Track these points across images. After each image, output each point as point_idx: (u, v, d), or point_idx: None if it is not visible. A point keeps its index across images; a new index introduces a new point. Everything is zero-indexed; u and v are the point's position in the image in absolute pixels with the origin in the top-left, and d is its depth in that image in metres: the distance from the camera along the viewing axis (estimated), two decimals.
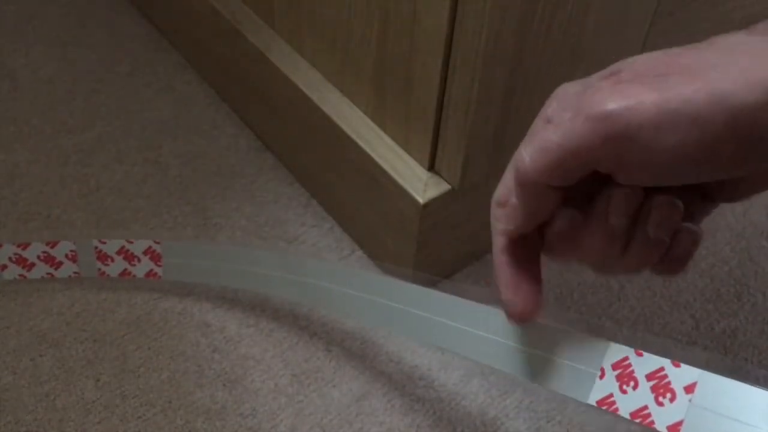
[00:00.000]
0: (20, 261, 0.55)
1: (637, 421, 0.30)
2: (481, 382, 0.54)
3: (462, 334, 0.39)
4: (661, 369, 0.31)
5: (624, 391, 0.31)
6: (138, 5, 0.80)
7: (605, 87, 0.29)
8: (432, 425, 0.52)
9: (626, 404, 0.31)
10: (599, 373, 0.33)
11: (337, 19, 0.53)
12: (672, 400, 0.30)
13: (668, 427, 0.30)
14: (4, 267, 0.55)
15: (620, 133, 0.27)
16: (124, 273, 0.55)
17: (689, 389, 0.30)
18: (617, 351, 0.33)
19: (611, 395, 0.32)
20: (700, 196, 0.33)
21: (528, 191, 0.31)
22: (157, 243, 0.54)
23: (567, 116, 0.29)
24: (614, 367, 0.32)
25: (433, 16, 0.45)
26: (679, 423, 0.29)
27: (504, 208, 0.33)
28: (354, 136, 0.55)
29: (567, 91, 0.32)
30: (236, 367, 0.54)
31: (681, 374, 0.30)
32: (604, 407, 0.32)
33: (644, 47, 0.55)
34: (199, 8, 0.68)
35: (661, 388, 0.30)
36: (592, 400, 0.32)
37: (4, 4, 0.79)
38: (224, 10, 0.65)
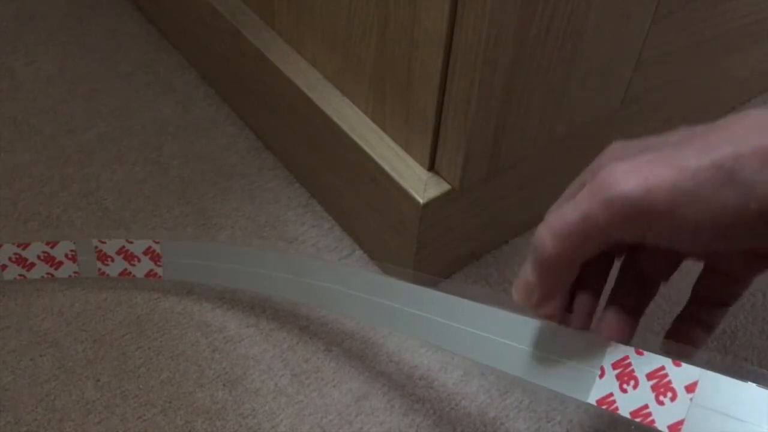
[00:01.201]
0: (20, 261, 0.55)
1: (638, 420, 0.30)
2: (481, 382, 0.54)
3: (462, 334, 0.39)
4: (662, 368, 0.31)
5: (624, 390, 0.31)
6: (138, 5, 0.80)
7: (623, 164, 0.29)
8: (432, 425, 0.52)
9: (626, 403, 0.31)
10: (599, 372, 0.32)
11: (337, 19, 0.53)
12: (673, 399, 0.30)
13: (669, 427, 0.30)
14: (5, 267, 0.55)
15: (639, 214, 0.28)
16: (123, 273, 0.55)
17: (690, 388, 0.30)
18: (617, 350, 0.33)
19: (611, 394, 0.32)
20: (751, 256, 0.33)
21: (549, 268, 0.31)
22: (157, 243, 0.54)
23: (585, 194, 0.29)
24: (614, 366, 0.32)
25: (433, 16, 0.45)
26: (680, 422, 0.29)
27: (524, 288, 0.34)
28: (354, 136, 0.55)
29: (601, 161, 0.33)
30: (236, 367, 0.54)
31: (682, 373, 0.30)
32: (604, 406, 0.32)
33: (644, 47, 0.55)
34: (199, 8, 0.68)
35: (661, 387, 0.30)
36: (592, 399, 0.32)
37: (4, 4, 0.79)
38: (224, 10, 0.65)
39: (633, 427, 0.33)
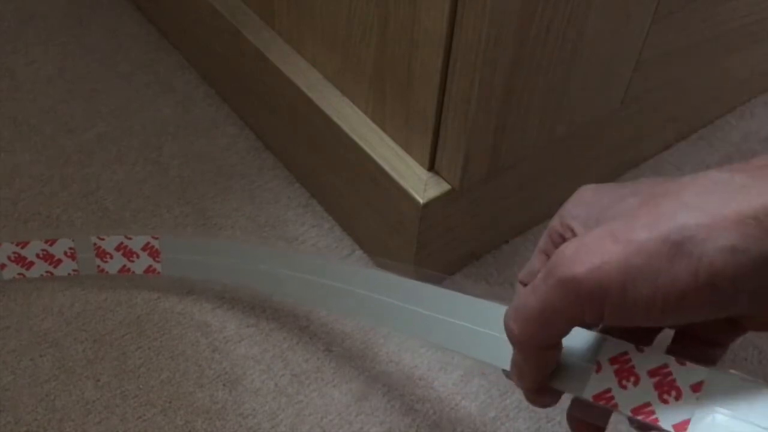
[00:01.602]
0: (19, 260, 0.55)
1: (639, 418, 0.29)
2: (481, 382, 0.54)
3: (457, 330, 0.38)
4: (665, 366, 0.30)
5: (623, 387, 0.31)
6: (138, 5, 0.80)
7: (573, 244, 0.29)
8: (432, 425, 0.52)
9: (626, 400, 0.30)
10: (595, 367, 0.32)
11: (337, 19, 0.53)
12: (678, 398, 0.29)
13: (674, 426, 0.29)
14: (3, 266, 0.55)
15: (591, 294, 0.28)
16: (123, 269, 0.55)
17: (696, 388, 0.29)
18: (616, 346, 0.32)
19: (609, 390, 0.31)
20: (728, 324, 0.33)
21: (529, 355, 0.32)
22: (156, 238, 0.54)
23: (542, 277, 0.30)
24: (612, 361, 0.31)
25: (433, 16, 0.45)
26: (686, 422, 0.29)
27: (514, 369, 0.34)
28: (354, 136, 0.55)
29: (564, 210, 0.34)
30: (236, 367, 0.54)
31: (687, 372, 0.30)
32: (602, 402, 0.31)
33: (644, 47, 0.55)
34: (199, 8, 0.68)
35: (665, 385, 0.30)
36: (588, 394, 0.31)
37: (4, 4, 0.79)
38: (224, 10, 0.65)
39: (634, 425, 0.32)
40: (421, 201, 0.51)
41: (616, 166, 0.66)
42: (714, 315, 0.28)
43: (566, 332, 0.31)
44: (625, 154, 0.66)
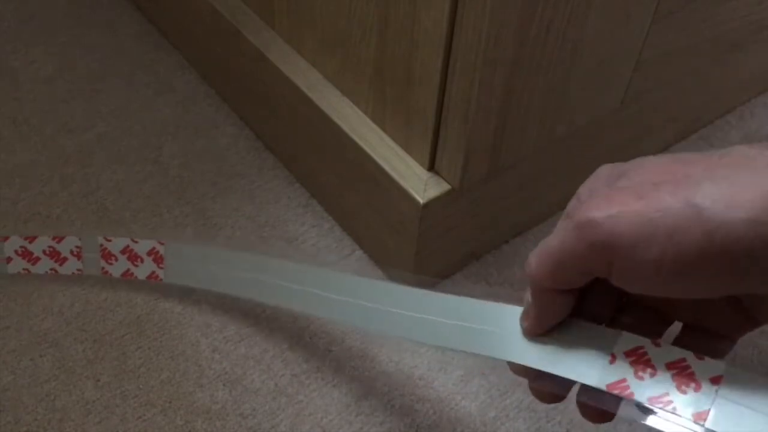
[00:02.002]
0: (26, 254, 0.55)
1: (658, 407, 0.29)
2: (481, 382, 0.54)
3: (461, 329, 0.38)
4: (683, 360, 0.30)
5: (640, 377, 0.30)
6: (138, 5, 0.80)
7: (600, 194, 0.30)
8: (432, 425, 0.52)
9: (643, 390, 0.30)
10: (609, 358, 0.31)
11: (337, 19, 0.53)
12: (697, 389, 0.29)
13: (694, 415, 0.29)
14: (9, 260, 0.55)
15: (603, 242, 0.28)
16: (126, 273, 0.55)
17: (715, 380, 0.29)
18: (630, 340, 0.32)
19: (624, 380, 0.31)
20: (739, 315, 0.33)
21: (538, 293, 0.32)
22: (162, 244, 0.54)
23: (563, 219, 0.31)
24: (627, 354, 0.31)
25: (433, 16, 0.45)
26: (706, 412, 0.29)
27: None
28: (354, 136, 0.55)
29: (586, 185, 0.34)
30: (236, 367, 0.54)
31: (705, 366, 0.29)
32: (616, 391, 0.30)
33: (644, 47, 0.55)
34: (199, 8, 0.68)
35: (684, 377, 0.29)
36: (602, 383, 0.31)
37: (4, 4, 0.79)
38: (224, 10, 0.65)
39: (644, 422, 0.32)
40: (421, 201, 0.51)
41: None
42: (722, 289, 0.28)
43: (578, 281, 0.31)
44: (625, 154, 0.66)
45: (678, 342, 0.33)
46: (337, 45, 0.55)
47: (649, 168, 0.30)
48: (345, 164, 0.57)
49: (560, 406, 0.53)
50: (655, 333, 0.33)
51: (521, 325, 0.34)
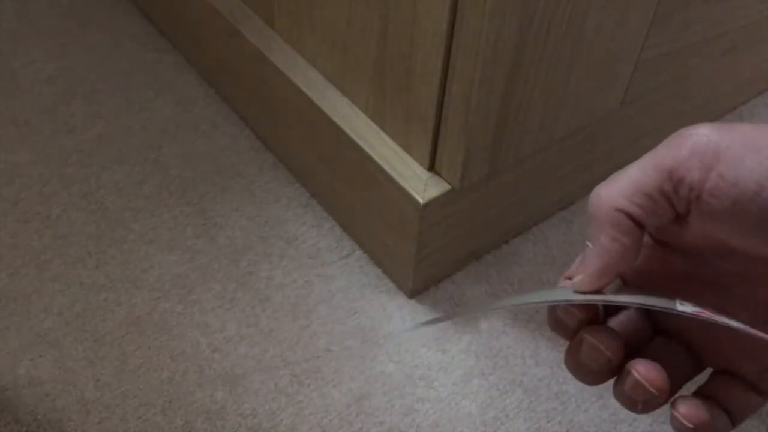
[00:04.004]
0: None
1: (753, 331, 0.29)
2: (481, 382, 0.54)
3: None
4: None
5: (715, 313, 0.30)
6: (138, 5, 0.80)
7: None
8: (432, 425, 0.52)
9: (723, 318, 0.30)
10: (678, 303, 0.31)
11: (337, 19, 0.53)
12: None
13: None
14: None
15: (707, 146, 0.28)
16: None
17: None
18: (688, 306, 0.31)
19: (703, 311, 0.30)
20: (745, 388, 0.32)
21: (606, 227, 0.31)
22: None
23: (650, 152, 0.30)
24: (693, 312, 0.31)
25: (433, 16, 0.45)
26: None
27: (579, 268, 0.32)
28: (354, 136, 0.55)
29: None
30: (236, 367, 0.54)
31: None
32: (704, 316, 0.30)
33: (644, 47, 0.55)
34: (199, 8, 0.68)
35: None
36: (686, 309, 0.30)
37: (4, 4, 0.79)
38: (224, 10, 0.65)
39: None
40: (421, 201, 0.51)
41: (616, 166, 0.66)
42: None
43: (652, 209, 0.30)
44: (625, 154, 0.66)
45: (706, 387, 0.33)
46: (337, 45, 0.55)
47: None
48: (345, 164, 0.57)
49: (560, 406, 0.54)
50: (682, 374, 0.32)
51: (575, 280, 0.32)
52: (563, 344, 0.34)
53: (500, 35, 0.44)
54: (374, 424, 0.52)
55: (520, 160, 0.55)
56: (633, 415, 0.53)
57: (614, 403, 0.53)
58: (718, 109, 0.73)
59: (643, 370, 0.31)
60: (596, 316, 0.33)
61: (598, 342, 0.32)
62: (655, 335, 0.35)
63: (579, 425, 0.52)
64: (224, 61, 0.68)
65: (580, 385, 0.54)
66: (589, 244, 0.31)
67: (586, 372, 0.33)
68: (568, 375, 0.54)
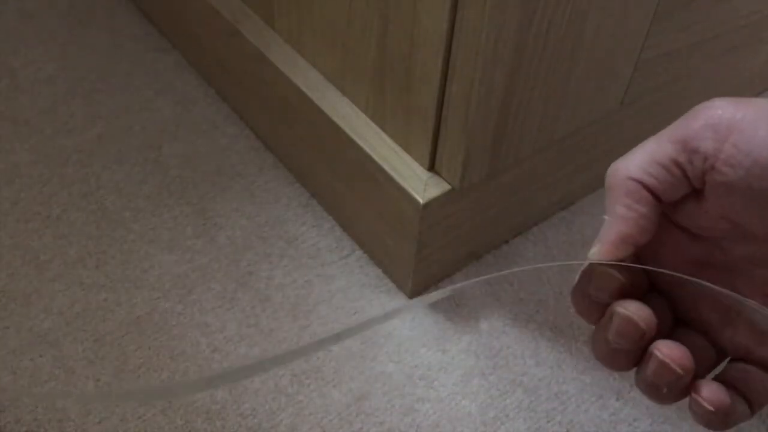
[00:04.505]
0: None
1: None
2: (481, 382, 0.54)
3: None
4: None
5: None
6: (138, 5, 0.80)
7: None
8: (432, 425, 0.52)
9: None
10: None
11: (337, 19, 0.53)
12: None
13: None
14: None
15: (721, 118, 0.29)
16: None
17: None
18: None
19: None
20: (763, 374, 0.32)
21: (623, 197, 0.31)
22: None
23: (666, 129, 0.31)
24: None
25: (433, 16, 0.45)
26: None
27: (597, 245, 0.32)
28: (354, 136, 0.55)
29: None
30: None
31: None
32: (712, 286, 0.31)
33: (644, 47, 0.55)
34: (199, 8, 0.68)
35: None
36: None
37: (4, 4, 0.79)
38: (224, 10, 0.65)
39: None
40: (421, 201, 0.51)
41: None
42: None
43: (667, 179, 0.30)
44: (625, 154, 0.66)
45: (724, 375, 0.33)
46: (337, 45, 0.55)
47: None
48: (345, 164, 0.57)
49: (560, 406, 0.54)
50: (703, 365, 0.32)
51: (593, 250, 0.32)
52: (563, 344, 0.35)
53: (500, 35, 0.44)
54: (374, 424, 0.52)
55: (520, 160, 0.55)
56: (633, 415, 0.53)
57: (614, 403, 0.54)
58: None
59: (666, 350, 0.31)
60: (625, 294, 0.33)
61: (631, 313, 0.31)
62: (675, 327, 0.35)
63: (579, 425, 0.52)
64: (224, 61, 0.68)
65: (580, 385, 0.54)
66: (606, 217, 0.32)
67: (615, 353, 0.32)
68: (569, 375, 0.54)
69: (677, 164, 0.30)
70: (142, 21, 0.79)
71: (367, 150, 0.54)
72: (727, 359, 0.35)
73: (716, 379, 0.33)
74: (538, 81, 0.49)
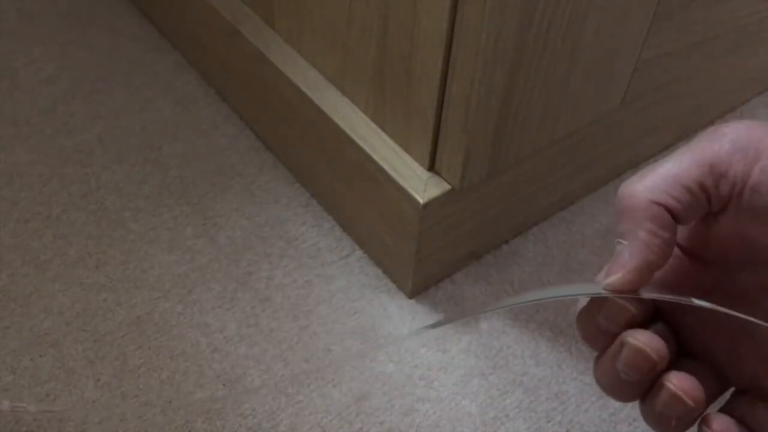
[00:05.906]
0: None
1: None
2: (481, 382, 0.54)
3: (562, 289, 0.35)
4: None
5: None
6: (138, 5, 0.80)
7: None
8: (432, 425, 0.52)
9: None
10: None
11: (337, 19, 0.53)
12: None
13: None
14: None
15: (750, 140, 0.28)
16: None
17: None
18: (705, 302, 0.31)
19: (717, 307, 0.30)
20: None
21: (640, 222, 0.29)
22: None
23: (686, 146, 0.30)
24: None
25: (433, 16, 0.45)
26: None
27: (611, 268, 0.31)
28: (354, 136, 0.55)
29: None
30: (236, 367, 0.54)
31: None
32: (718, 308, 0.30)
33: (644, 47, 0.55)
34: (199, 8, 0.68)
35: None
36: (697, 302, 0.31)
37: (4, 4, 0.79)
38: (224, 10, 0.65)
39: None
40: (421, 201, 0.51)
41: (616, 166, 0.66)
42: None
43: (689, 202, 0.29)
44: (625, 154, 0.66)
45: (728, 408, 0.32)
46: (337, 45, 0.55)
47: None
48: (345, 164, 0.57)
49: (560, 406, 0.54)
50: (708, 394, 0.31)
51: (612, 279, 0.30)
52: (563, 344, 0.34)
53: (500, 35, 0.44)
54: (374, 424, 0.52)
55: (520, 160, 0.55)
56: (633, 415, 0.53)
57: (614, 404, 0.54)
58: (718, 109, 0.73)
59: (678, 382, 0.30)
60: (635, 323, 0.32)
61: (643, 344, 0.30)
62: (679, 357, 0.34)
63: (579, 425, 0.52)
64: (224, 61, 0.68)
65: (580, 385, 0.54)
66: (622, 242, 0.30)
67: (623, 384, 0.31)
68: (569, 375, 0.54)
69: (702, 188, 0.29)
70: (142, 21, 0.79)
71: (367, 150, 0.54)
72: (731, 389, 0.34)
73: (721, 410, 0.32)
74: (538, 81, 0.49)
